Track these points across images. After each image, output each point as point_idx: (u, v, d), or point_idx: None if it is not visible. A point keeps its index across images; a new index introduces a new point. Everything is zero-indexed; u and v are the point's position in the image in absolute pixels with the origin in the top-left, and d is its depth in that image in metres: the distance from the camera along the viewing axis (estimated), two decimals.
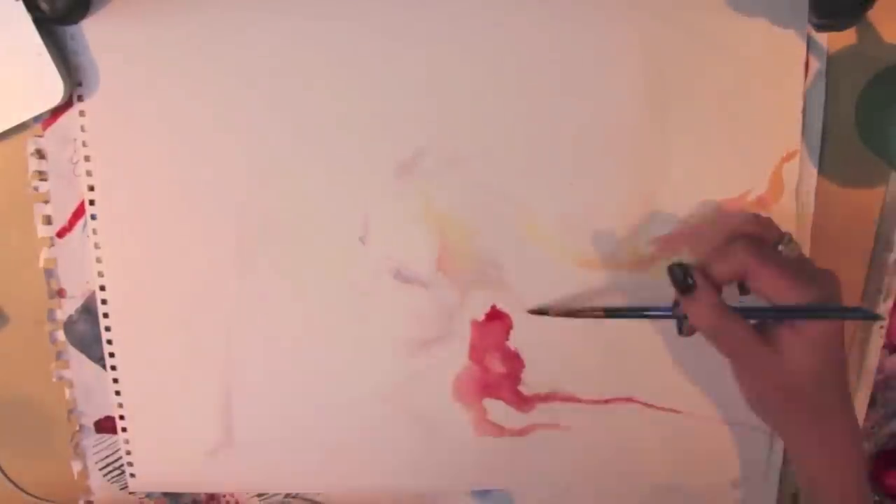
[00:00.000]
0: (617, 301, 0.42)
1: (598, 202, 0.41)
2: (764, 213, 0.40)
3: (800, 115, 0.40)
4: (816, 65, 0.39)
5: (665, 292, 0.42)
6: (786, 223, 0.41)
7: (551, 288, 0.42)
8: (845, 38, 0.39)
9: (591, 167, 0.41)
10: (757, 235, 0.35)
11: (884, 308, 0.42)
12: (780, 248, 0.35)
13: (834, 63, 0.39)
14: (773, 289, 0.33)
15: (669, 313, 0.38)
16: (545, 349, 0.43)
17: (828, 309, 0.33)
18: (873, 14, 0.36)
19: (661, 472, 0.46)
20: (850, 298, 0.43)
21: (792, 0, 0.38)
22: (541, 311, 0.41)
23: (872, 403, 0.44)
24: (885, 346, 0.43)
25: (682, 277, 0.34)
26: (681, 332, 0.37)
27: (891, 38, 0.39)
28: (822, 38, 0.39)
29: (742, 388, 0.36)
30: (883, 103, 0.38)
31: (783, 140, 0.40)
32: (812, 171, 0.41)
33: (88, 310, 0.43)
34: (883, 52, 0.39)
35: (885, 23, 0.39)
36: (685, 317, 0.36)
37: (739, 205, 0.41)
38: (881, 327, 0.43)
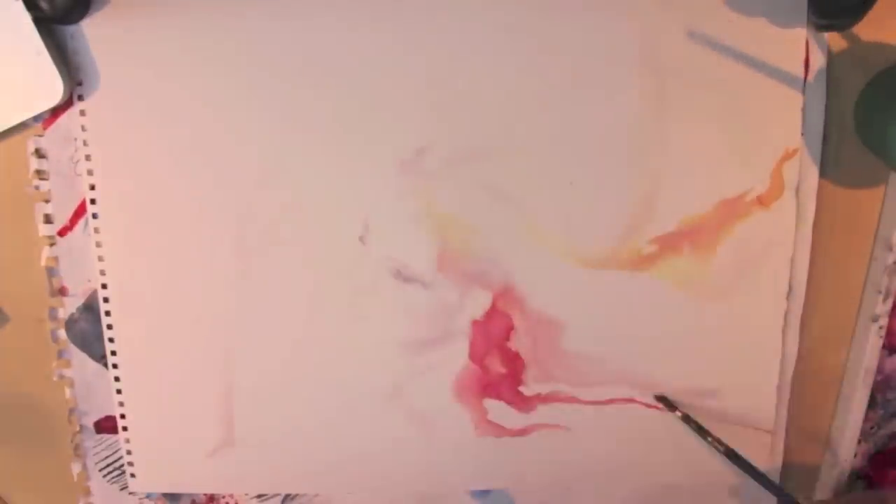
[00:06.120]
0: (618, 300, 0.42)
1: (598, 202, 0.41)
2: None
3: (800, 115, 0.40)
4: (817, 64, 0.39)
5: (664, 292, 0.42)
6: (786, 222, 0.41)
7: (552, 288, 0.42)
8: (845, 38, 0.39)
9: (591, 167, 0.41)
10: None
11: (884, 308, 0.42)
12: None
13: (834, 63, 0.39)
14: None
15: None
16: (547, 349, 0.43)
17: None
18: (873, 14, 0.36)
19: (661, 472, 0.46)
20: (851, 298, 0.43)
21: (792, 0, 0.38)
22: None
23: (872, 403, 0.44)
24: (884, 347, 0.43)
25: None
26: None
27: (891, 38, 0.39)
28: (823, 38, 0.39)
29: None
30: (883, 103, 0.38)
31: (783, 139, 0.40)
32: (813, 171, 0.41)
33: (90, 308, 0.43)
34: (883, 52, 0.39)
35: (886, 23, 0.39)
36: None
37: (740, 204, 0.41)
38: (881, 327, 0.43)
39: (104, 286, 0.43)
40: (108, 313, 0.43)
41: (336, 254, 0.42)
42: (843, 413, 0.45)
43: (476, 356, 0.44)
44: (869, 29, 0.39)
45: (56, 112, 0.40)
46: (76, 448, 0.46)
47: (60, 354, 0.44)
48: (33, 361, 0.44)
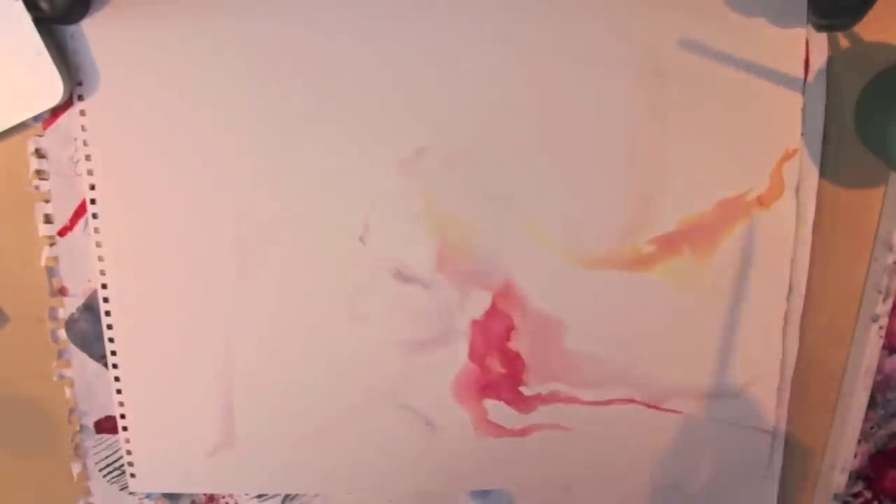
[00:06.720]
0: (618, 300, 0.42)
1: (598, 202, 0.41)
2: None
3: (800, 115, 0.40)
4: (816, 64, 0.39)
5: (664, 292, 0.42)
6: (786, 222, 0.41)
7: (552, 288, 0.42)
8: (845, 38, 0.39)
9: (590, 167, 0.41)
10: None
11: (884, 308, 0.42)
12: None
13: (834, 63, 0.39)
14: None
15: None
16: (547, 349, 0.43)
17: None
18: (873, 14, 0.36)
19: (661, 472, 0.46)
20: (851, 298, 0.43)
21: (792, 0, 0.38)
22: None
23: (872, 403, 0.44)
24: (884, 347, 0.43)
25: None
26: None
27: (891, 38, 0.39)
28: (822, 38, 0.39)
29: None
30: (883, 103, 0.38)
31: (783, 139, 0.40)
32: (812, 171, 0.41)
33: (90, 308, 0.43)
34: (883, 52, 0.39)
35: (886, 23, 0.39)
36: None
37: (740, 204, 0.41)
38: (881, 327, 0.43)
39: (104, 286, 0.43)
40: (108, 313, 0.43)
41: (336, 254, 0.42)
42: (843, 413, 0.45)
43: (476, 356, 0.44)
44: (869, 29, 0.39)
45: (56, 112, 0.40)
46: (76, 448, 0.46)
47: (60, 354, 0.44)
48: (33, 361, 0.44)
